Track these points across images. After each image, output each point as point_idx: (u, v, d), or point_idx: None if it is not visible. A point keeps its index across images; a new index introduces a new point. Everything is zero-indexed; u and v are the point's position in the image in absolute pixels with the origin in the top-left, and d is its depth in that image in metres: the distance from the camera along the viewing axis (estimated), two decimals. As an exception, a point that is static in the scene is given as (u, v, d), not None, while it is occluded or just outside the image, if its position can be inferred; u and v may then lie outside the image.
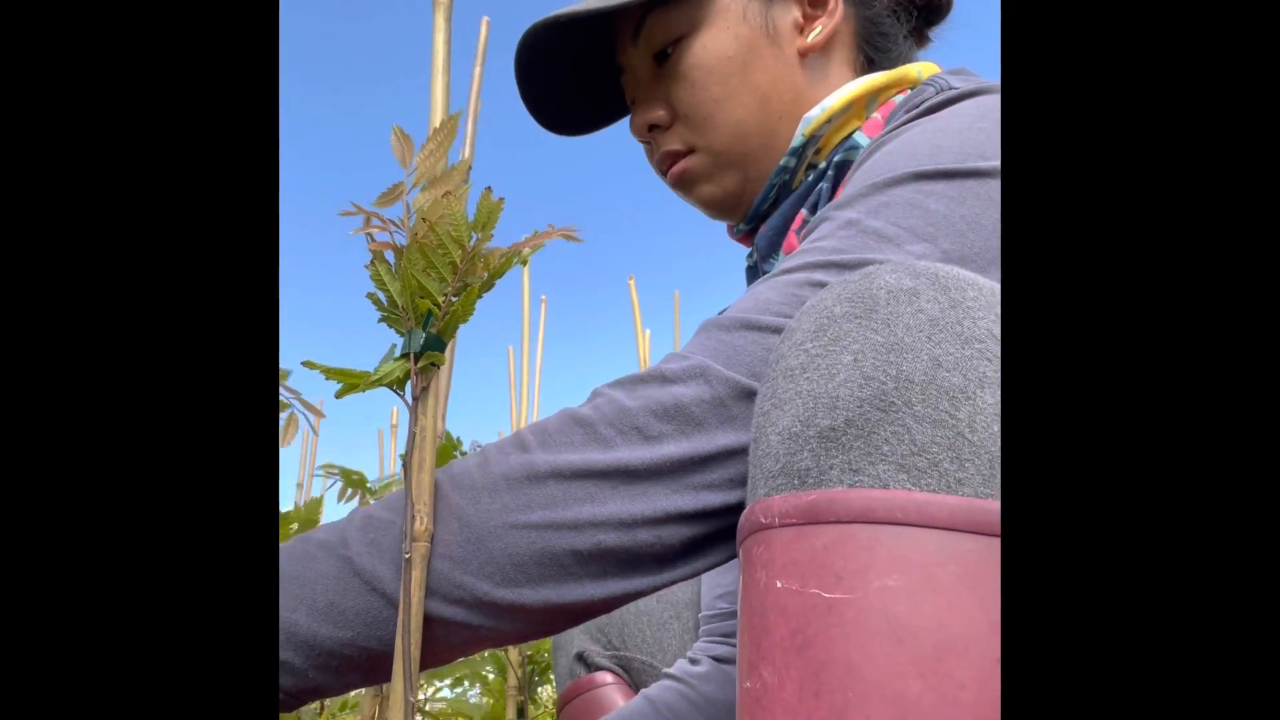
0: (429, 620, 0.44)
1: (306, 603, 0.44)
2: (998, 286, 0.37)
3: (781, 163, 0.63)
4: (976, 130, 0.50)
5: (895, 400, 0.33)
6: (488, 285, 0.49)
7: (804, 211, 0.62)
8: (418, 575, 0.44)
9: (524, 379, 1.57)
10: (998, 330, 0.35)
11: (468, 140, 0.58)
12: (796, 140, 0.62)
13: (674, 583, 0.46)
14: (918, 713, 0.29)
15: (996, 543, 0.31)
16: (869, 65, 0.67)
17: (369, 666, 0.45)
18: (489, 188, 0.48)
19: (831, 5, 0.64)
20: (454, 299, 0.48)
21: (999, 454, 0.33)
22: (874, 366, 0.34)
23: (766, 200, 0.65)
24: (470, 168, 0.54)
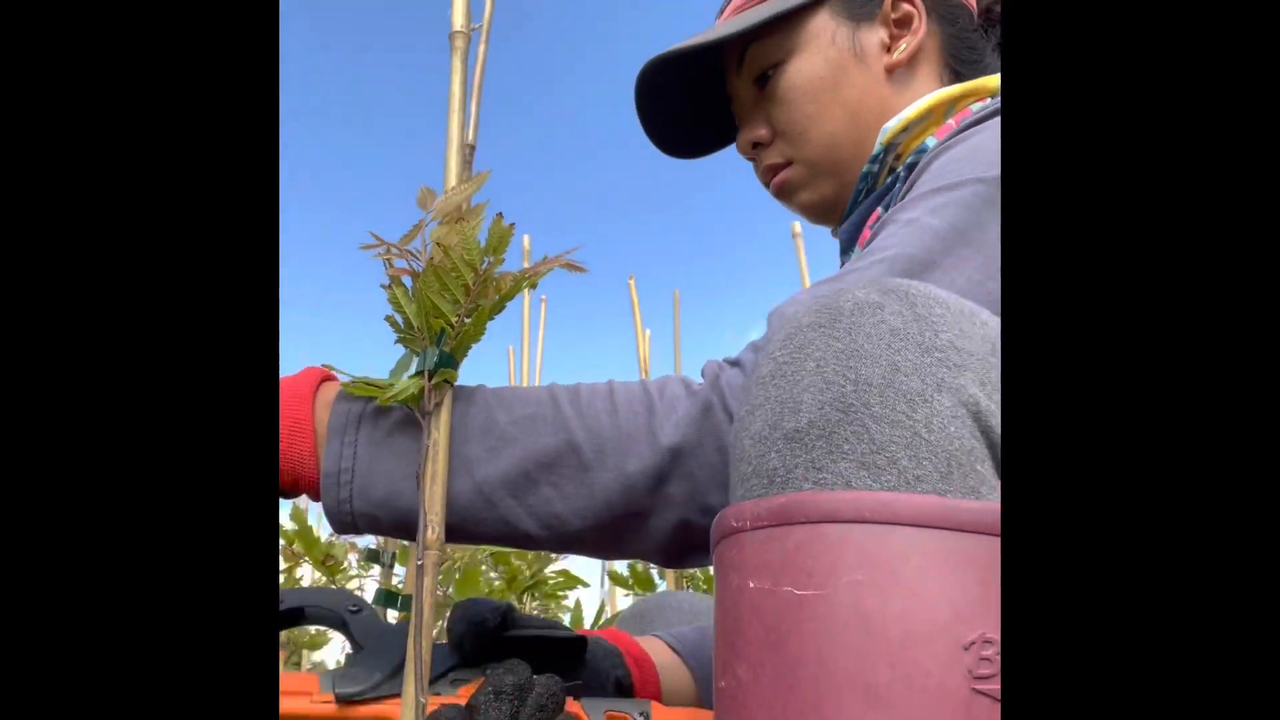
0: None
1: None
2: (968, 304, 0.39)
3: (865, 169, 0.68)
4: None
5: (854, 402, 0.35)
6: (498, 307, 0.51)
7: (879, 209, 0.66)
8: (429, 582, 0.46)
9: (524, 379, 1.59)
10: (960, 342, 0.37)
11: (472, 122, 0.60)
12: (876, 148, 0.67)
13: None
14: (886, 700, 0.31)
15: (956, 536, 0.32)
16: (956, 77, 0.71)
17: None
18: (500, 214, 0.51)
19: (915, 25, 0.69)
20: (466, 319, 0.50)
21: (956, 452, 0.35)
22: (835, 371, 0.36)
23: (855, 203, 0.71)
24: (474, 148, 0.56)
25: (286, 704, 0.52)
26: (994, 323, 0.39)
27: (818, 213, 0.75)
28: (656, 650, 0.68)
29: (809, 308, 0.39)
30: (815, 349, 0.37)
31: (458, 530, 0.52)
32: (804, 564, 0.33)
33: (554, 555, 1.16)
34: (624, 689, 0.63)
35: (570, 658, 0.59)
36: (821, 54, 0.69)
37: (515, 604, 1.15)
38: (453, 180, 0.52)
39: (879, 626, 0.32)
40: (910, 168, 0.65)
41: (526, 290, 0.64)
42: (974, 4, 0.73)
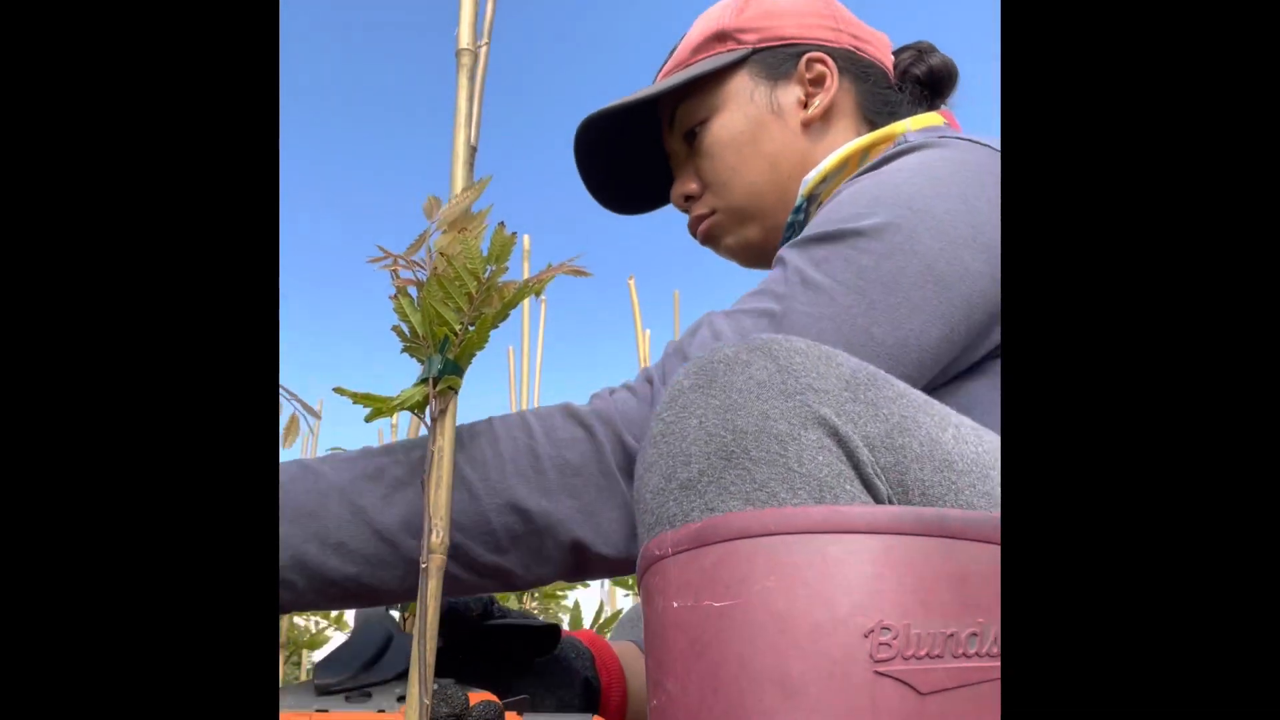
0: None
1: (318, 537, 0.53)
2: (824, 349, 0.45)
3: (789, 219, 0.75)
4: (909, 184, 0.60)
5: (734, 449, 0.41)
6: (501, 315, 0.52)
7: None
8: (434, 586, 0.47)
9: (524, 379, 1.60)
10: (818, 384, 0.43)
11: (474, 123, 0.61)
12: (798, 200, 0.73)
13: None
14: (800, 688, 0.34)
15: (848, 538, 0.37)
16: (872, 128, 0.77)
17: (366, 597, 0.55)
18: (502, 223, 0.52)
19: (828, 83, 0.76)
20: (470, 327, 0.51)
21: (826, 478, 0.40)
22: (715, 425, 0.42)
23: (784, 240, 0.76)
24: (476, 149, 0.57)
25: None
26: (850, 361, 0.45)
27: (745, 256, 0.80)
28: (628, 655, 0.72)
29: (689, 371, 0.45)
30: (697, 408, 0.43)
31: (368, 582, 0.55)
32: (721, 578, 0.37)
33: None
34: (591, 689, 0.64)
35: (544, 647, 0.62)
36: (742, 111, 0.75)
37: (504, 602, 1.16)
38: (458, 192, 0.53)
39: (790, 624, 0.35)
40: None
41: (527, 293, 0.65)
42: (890, 65, 0.80)
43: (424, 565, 0.48)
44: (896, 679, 0.34)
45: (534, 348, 1.69)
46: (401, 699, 0.56)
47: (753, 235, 0.77)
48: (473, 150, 0.58)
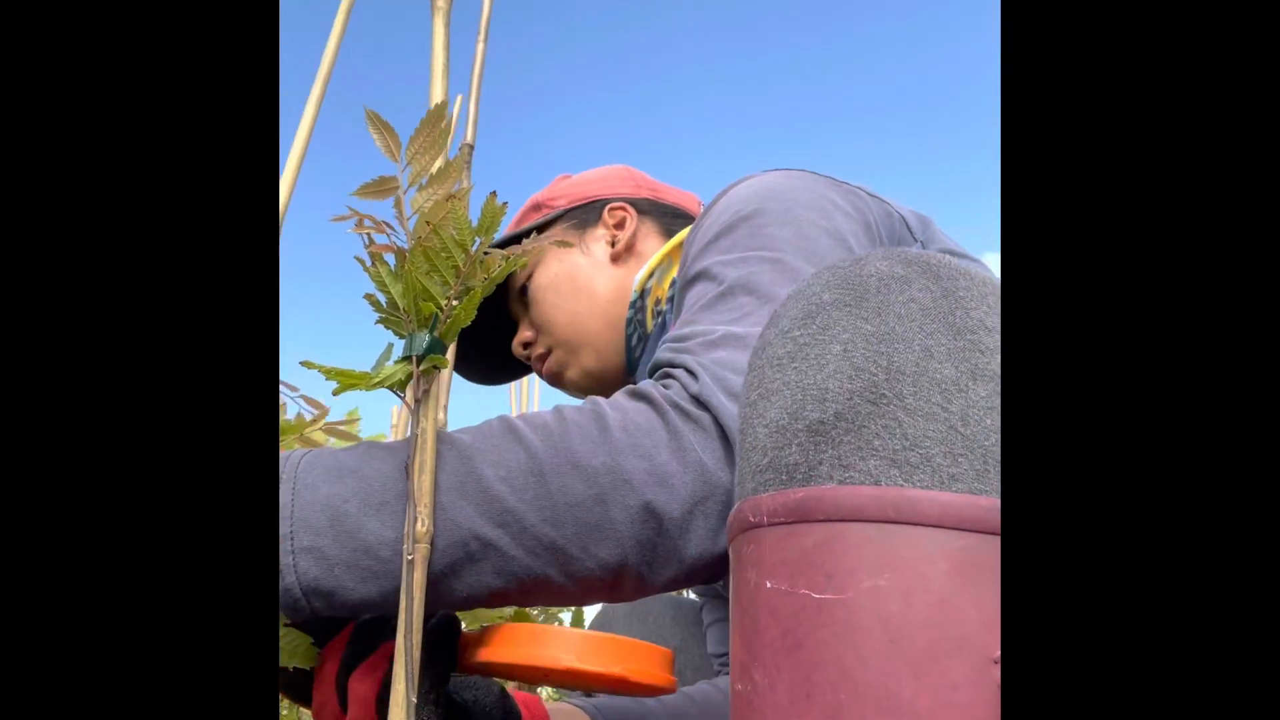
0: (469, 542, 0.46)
1: (360, 495, 0.45)
2: (991, 276, 0.36)
3: (628, 316, 0.82)
4: (743, 188, 0.65)
5: (886, 392, 0.33)
6: (489, 289, 0.49)
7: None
8: (419, 576, 0.44)
9: (524, 379, 1.57)
10: (990, 321, 0.34)
11: (470, 121, 0.58)
12: (633, 295, 0.81)
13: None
14: (912, 714, 0.29)
15: (990, 540, 0.31)
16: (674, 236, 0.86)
17: (396, 575, 0.45)
18: (493, 192, 0.49)
19: (629, 224, 0.86)
20: (456, 302, 0.48)
21: (992, 448, 0.32)
22: (864, 357, 0.33)
23: (631, 348, 0.83)
24: (473, 148, 0.54)
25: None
26: None
27: (589, 386, 0.86)
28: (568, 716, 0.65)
29: (827, 282, 0.36)
30: (841, 330, 0.34)
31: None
32: (822, 565, 0.32)
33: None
34: None
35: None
36: (558, 259, 0.85)
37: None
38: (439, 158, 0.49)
39: (903, 635, 0.30)
40: (672, 299, 0.77)
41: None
42: (695, 210, 0.91)
43: (409, 557, 0.45)
44: None
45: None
46: None
47: (589, 363, 0.85)
48: (470, 148, 0.54)
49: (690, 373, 0.50)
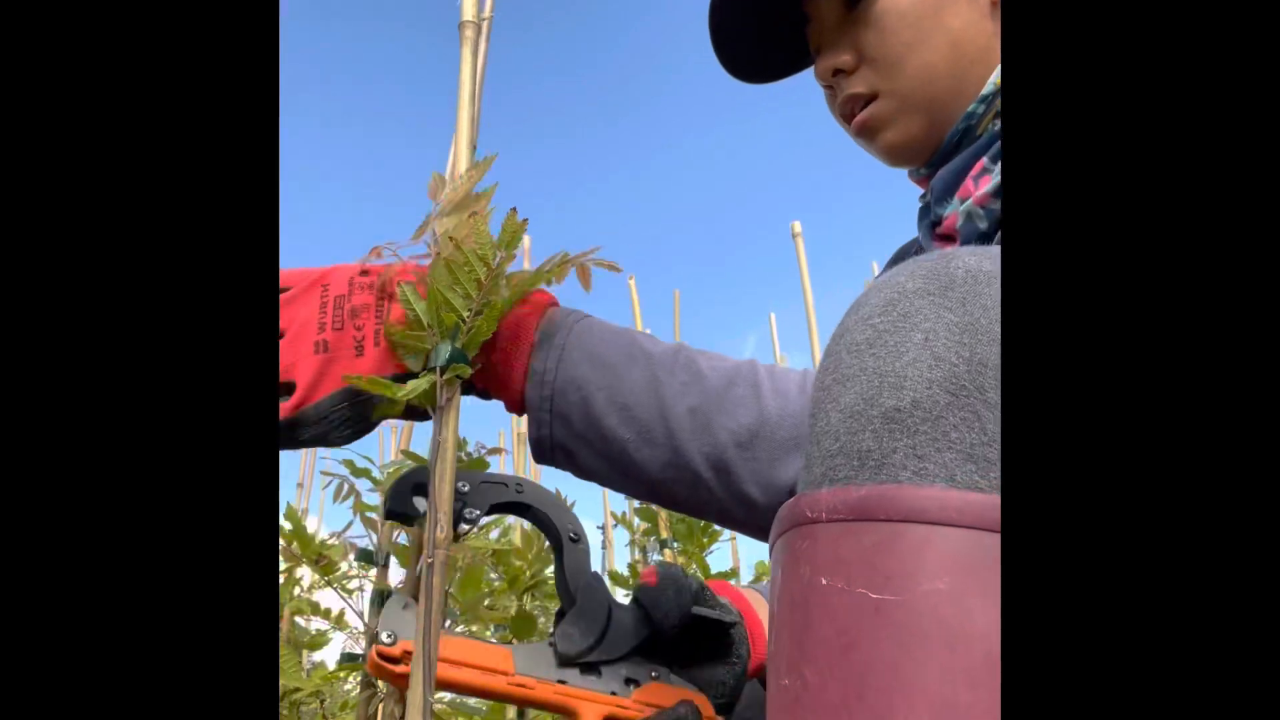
0: None
1: (609, 390, 0.54)
2: None
3: (970, 108, 0.62)
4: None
5: (967, 384, 0.32)
6: (510, 302, 0.50)
7: (984, 159, 0.61)
8: (438, 581, 0.45)
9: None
10: None
11: (476, 101, 0.60)
12: (988, 88, 0.61)
13: None
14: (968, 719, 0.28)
15: None
16: None
17: (618, 467, 0.56)
18: (514, 209, 0.50)
19: None
20: (478, 315, 0.49)
21: None
22: (946, 347, 0.32)
23: (950, 145, 0.64)
24: (475, 147, 0.55)
25: (475, 678, 0.51)
26: None
27: (901, 154, 0.67)
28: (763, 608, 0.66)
29: (913, 272, 0.35)
30: (924, 319, 0.33)
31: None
32: (882, 565, 0.31)
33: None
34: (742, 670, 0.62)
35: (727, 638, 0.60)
36: None
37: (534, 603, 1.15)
38: (463, 170, 0.51)
39: (962, 642, 0.29)
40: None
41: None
42: None
43: (429, 560, 0.46)
44: None
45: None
46: (629, 681, 0.55)
47: (917, 129, 0.65)
48: (472, 146, 0.56)
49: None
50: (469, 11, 0.56)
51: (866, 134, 0.66)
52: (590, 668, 0.54)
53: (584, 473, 0.58)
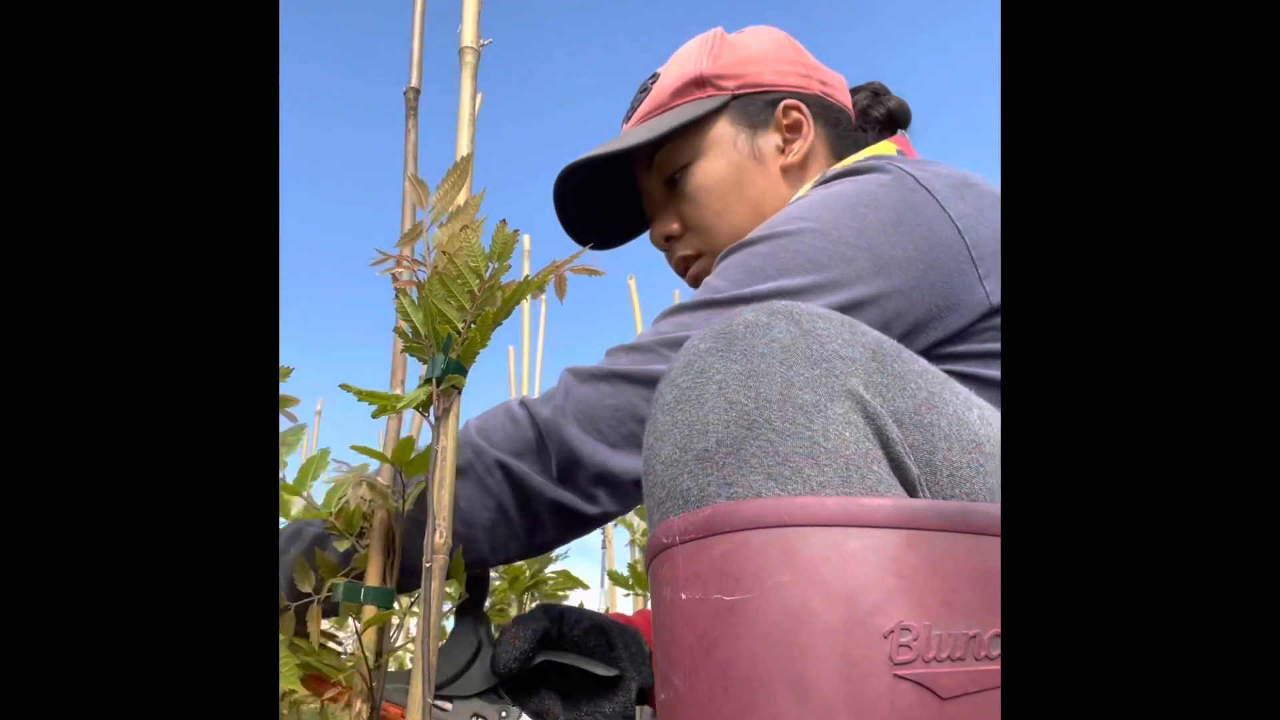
0: None
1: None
2: (845, 316, 0.42)
3: None
4: (808, 203, 0.65)
5: (757, 418, 0.38)
6: (504, 313, 0.51)
7: None
8: (436, 585, 0.46)
9: (524, 379, 1.60)
10: (845, 351, 0.40)
11: (414, 64, 0.62)
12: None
13: None
14: (816, 691, 0.33)
15: (868, 533, 0.35)
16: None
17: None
18: (504, 221, 0.51)
19: (805, 130, 0.78)
20: (472, 325, 0.50)
21: (853, 457, 0.37)
22: (736, 391, 0.39)
23: None
24: (419, 92, 0.56)
25: None
26: (872, 331, 0.42)
27: None
28: None
29: (704, 334, 0.42)
30: (715, 372, 0.40)
31: None
32: (731, 571, 0.35)
33: (554, 555, 1.17)
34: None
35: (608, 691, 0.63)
36: (725, 157, 0.77)
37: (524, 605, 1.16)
38: (461, 198, 0.52)
39: (804, 624, 0.34)
40: None
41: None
42: (849, 106, 0.83)
43: (427, 565, 0.47)
44: (916, 683, 0.32)
45: (534, 348, 1.69)
46: (475, 716, 0.59)
47: None
48: (416, 92, 0.59)
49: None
50: (469, 38, 0.57)
51: (696, 284, 0.81)
52: (441, 699, 0.59)
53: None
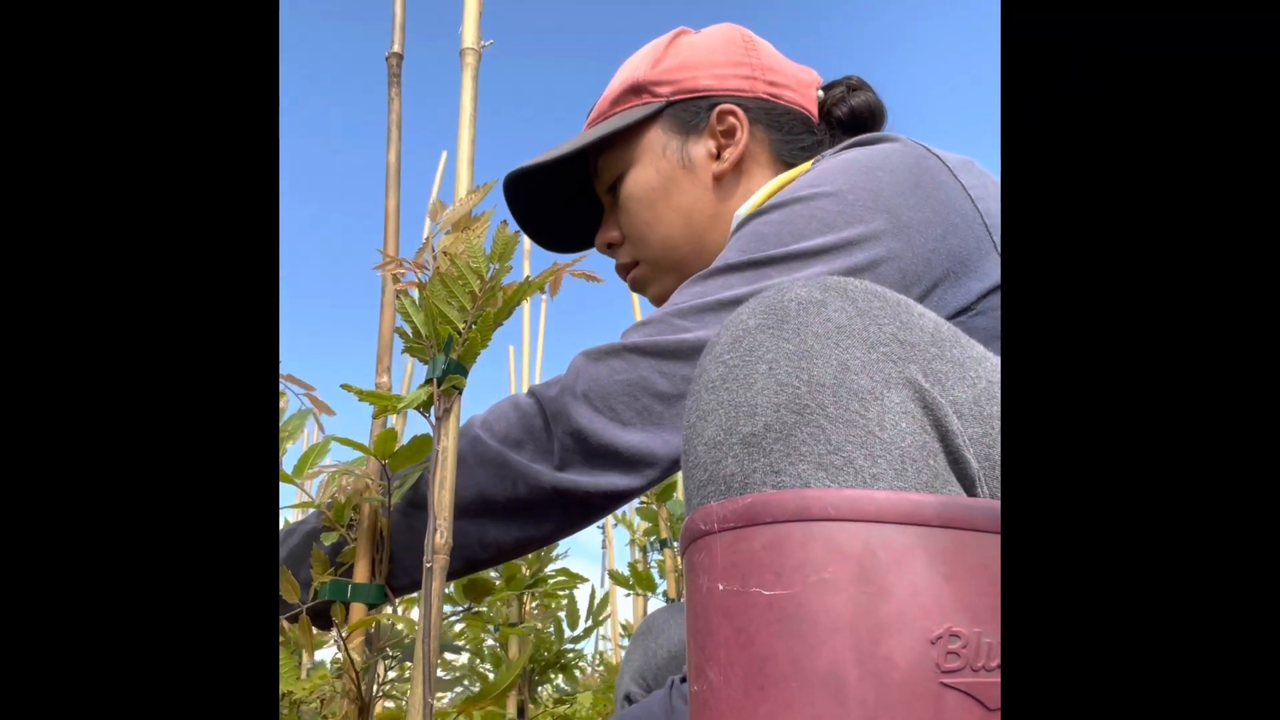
0: None
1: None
2: (902, 297, 0.39)
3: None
4: (818, 173, 0.64)
5: (809, 403, 0.36)
6: (504, 314, 0.52)
7: None
8: (437, 585, 0.46)
9: (524, 379, 1.61)
10: (902, 335, 0.37)
11: (397, 26, 0.62)
12: (732, 230, 0.71)
13: None
14: (856, 696, 0.31)
15: (919, 531, 0.33)
16: (791, 168, 0.78)
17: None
18: (504, 222, 0.52)
19: (739, 135, 0.76)
20: (473, 326, 0.51)
21: (908, 449, 0.35)
22: (787, 373, 0.36)
23: None
24: (401, 57, 0.56)
25: None
26: (929, 313, 0.40)
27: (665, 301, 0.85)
28: None
29: (753, 309, 0.40)
30: (766, 351, 0.37)
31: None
32: (772, 564, 0.34)
33: (554, 554, 1.17)
34: None
35: None
36: (654, 165, 0.77)
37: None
38: (463, 194, 0.52)
39: (847, 623, 0.32)
40: None
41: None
42: (810, 106, 0.80)
43: (428, 565, 0.47)
44: (964, 692, 0.31)
45: (534, 348, 1.70)
46: None
47: (671, 284, 0.79)
48: (399, 58, 0.58)
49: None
50: (470, 39, 0.57)
51: (637, 289, 0.83)
52: None
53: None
